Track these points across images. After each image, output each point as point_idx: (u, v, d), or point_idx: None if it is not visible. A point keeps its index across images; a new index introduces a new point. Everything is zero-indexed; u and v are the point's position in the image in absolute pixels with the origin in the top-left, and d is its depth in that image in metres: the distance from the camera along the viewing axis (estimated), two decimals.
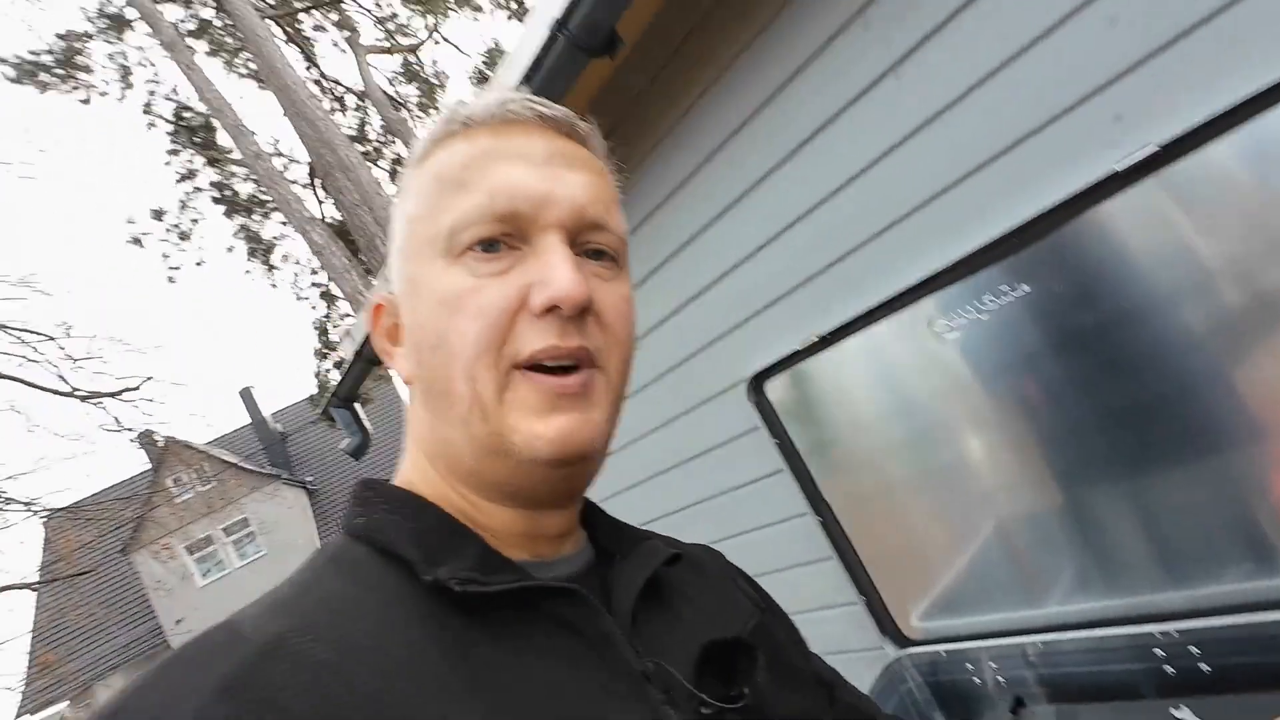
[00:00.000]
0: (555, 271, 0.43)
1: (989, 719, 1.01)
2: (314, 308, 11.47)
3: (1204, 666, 0.90)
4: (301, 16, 10.41)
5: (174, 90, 10.47)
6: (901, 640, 1.29)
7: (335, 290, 10.28)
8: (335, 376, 4.05)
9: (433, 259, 0.45)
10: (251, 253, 11.35)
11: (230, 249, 11.59)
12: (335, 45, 11.45)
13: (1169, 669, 0.93)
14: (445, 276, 0.45)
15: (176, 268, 11.21)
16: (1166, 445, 0.95)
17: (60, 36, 9.59)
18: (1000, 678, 1.13)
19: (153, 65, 10.29)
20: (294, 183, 9.36)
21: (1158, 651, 0.94)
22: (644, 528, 0.56)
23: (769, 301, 1.39)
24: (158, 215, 11.02)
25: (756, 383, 1.37)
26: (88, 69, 9.85)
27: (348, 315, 10.36)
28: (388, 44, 11.43)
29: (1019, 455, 1.10)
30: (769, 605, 0.61)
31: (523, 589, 0.42)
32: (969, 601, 1.21)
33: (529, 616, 0.43)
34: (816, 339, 1.22)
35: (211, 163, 10.72)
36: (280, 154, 11.35)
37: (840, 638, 1.48)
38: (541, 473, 0.44)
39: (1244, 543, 0.92)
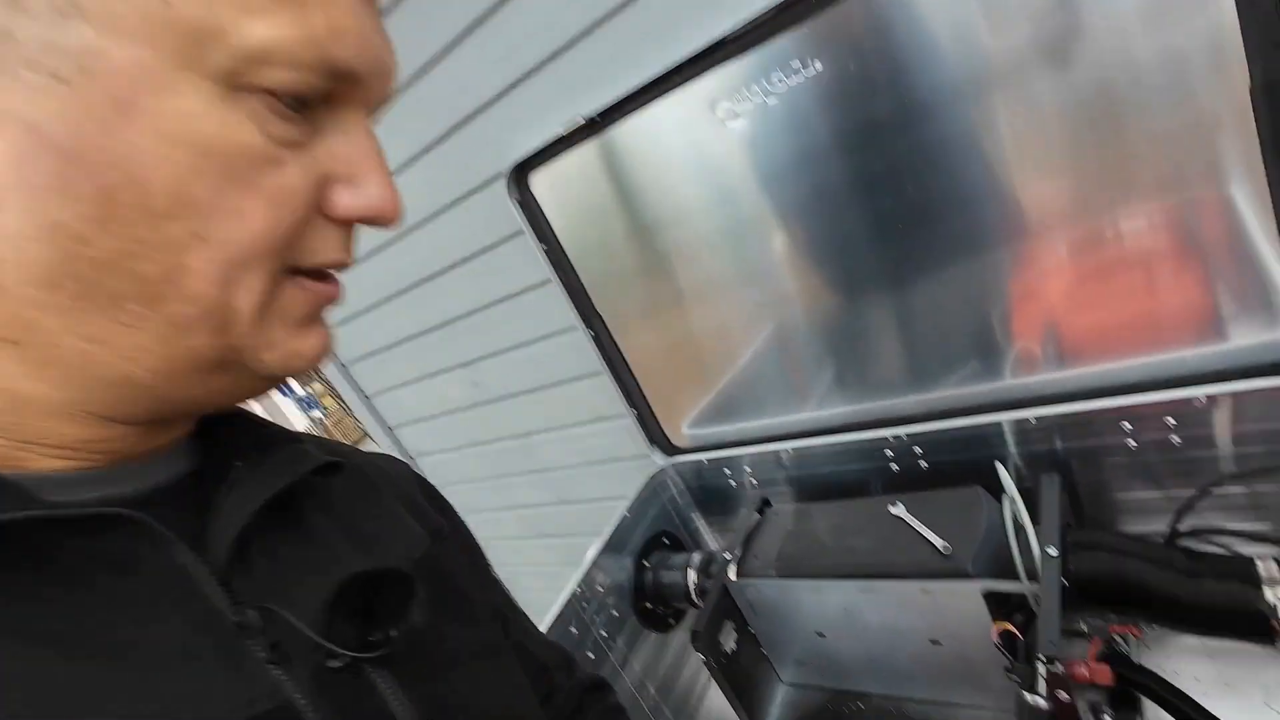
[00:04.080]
0: (378, 176, 0.34)
1: (739, 518, 1.04)
2: None
3: (923, 464, 0.96)
4: None
5: None
6: (669, 449, 1.28)
7: None
8: None
9: (172, 70, 0.28)
10: None
11: None
12: None
13: (894, 467, 0.99)
14: (212, 117, 0.29)
15: None
16: (932, 252, 0.92)
17: None
18: (754, 480, 1.16)
19: None
20: None
21: (888, 453, 0.98)
22: (301, 432, 0.44)
23: (529, 69, 1.09)
24: None
25: (518, 175, 1.12)
26: None
27: None
28: None
29: (792, 261, 1.03)
30: (451, 527, 0.51)
31: (29, 521, 0.29)
32: (733, 411, 1.21)
33: (58, 557, 0.30)
34: (583, 121, 0.98)
35: None
36: None
37: (612, 448, 1.46)
38: (253, 389, 0.35)
39: (975, 351, 0.95)
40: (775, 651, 0.99)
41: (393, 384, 1.76)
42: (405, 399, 1.76)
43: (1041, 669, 0.66)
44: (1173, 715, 0.72)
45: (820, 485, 1.09)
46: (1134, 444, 0.80)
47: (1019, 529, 0.77)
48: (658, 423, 1.29)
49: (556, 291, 1.20)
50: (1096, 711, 0.70)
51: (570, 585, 1.02)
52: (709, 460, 1.19)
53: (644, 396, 1.28)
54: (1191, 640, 0.86)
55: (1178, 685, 0.72)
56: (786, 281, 1.05)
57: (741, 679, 0.95)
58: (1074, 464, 0.85)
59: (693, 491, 1.25)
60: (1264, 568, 0.64)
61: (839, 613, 0.86)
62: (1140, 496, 0.83)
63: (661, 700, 1.10)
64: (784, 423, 1.15)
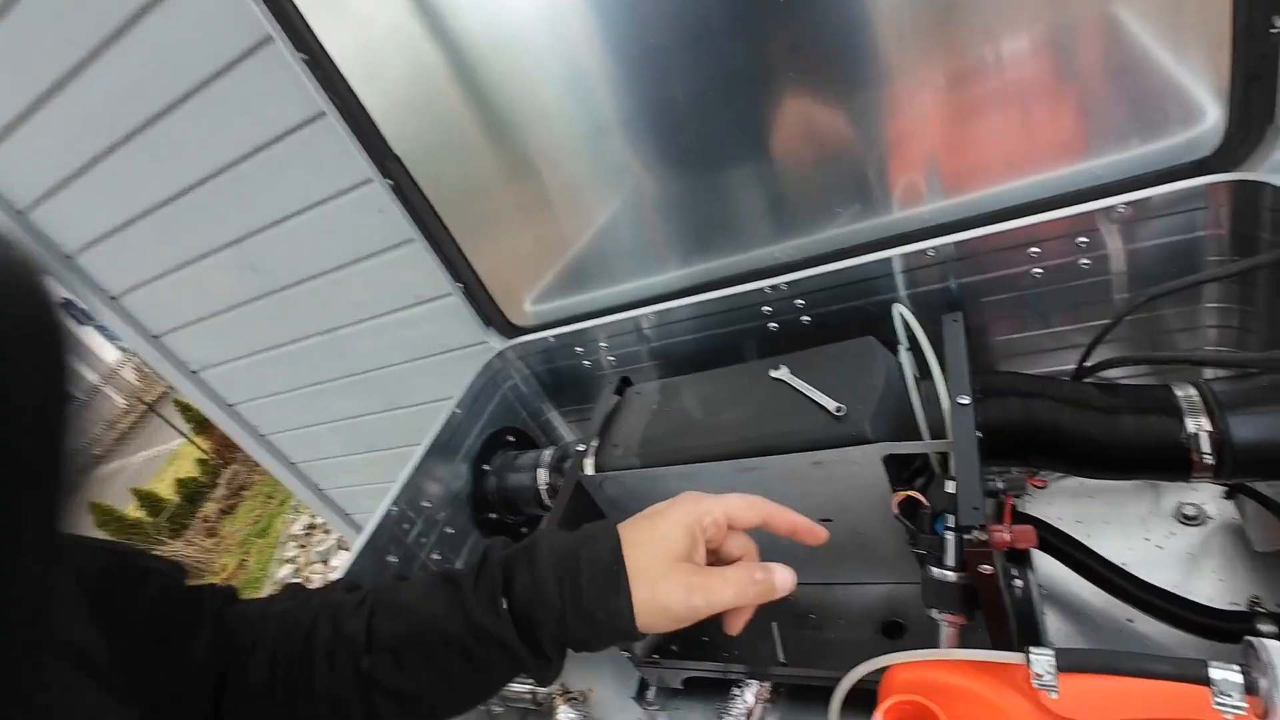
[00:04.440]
0: None
1: (597, 404, 0.86)
2: None
3: (806, 319, 0.81)
4: None
5: None
6: (508, 330, 1.05)
7: None
8: None
9: None
10: None
11: None
12: None
13: (773, 326, 0.84)
14: None
15: None
16: (799, 86, 0.73)
17: None
18: (611, 358, 0.98)
19: None
20: None
21: (765, 309, 0.83)
22: None
23: None
24: None
25: None
26: None
27: None
28: None
29: (645, 106, 0.80)
30: None
31: None
32: (583, 280, 1.00)
33: None
34: None
35: None
36: None
37: (440, 336, 1.21)
38: None
39: (856, 187, 0.79)
40: None
41: (143, 278, 1.34)
42: (163, 295, 1.36)
43: (950, 540, 0.55)
44: (1064, 562, 0.67)
45: (690, 357, 0.92)
46: (1040, 272, 0.69)
47: (922, 381, 0.65)
48: (492, 300, 1.05)
49: (335, 128, 0.88)
50: (1006, 575, 0.62)
51: (383, 505, 0.80)
52: (556, 338, 0.98)
53: (472, 269, 1.02)
54: (1070, 483, 0.82)
55: (1064, 530, 0.67)
56: (640, 130, 0.83)
57: None
58: (973, 303, 0.73)
59: (540, 378, 1.05)
60: (1183, 395, 0.56)
61: None
62: (1044, 334, 0.74)
63: None
64: (643, 287, 0.96)
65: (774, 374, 0.72)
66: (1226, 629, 0.58)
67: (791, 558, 0.78)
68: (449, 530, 0.89)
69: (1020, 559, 0.66)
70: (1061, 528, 0.69)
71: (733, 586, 0.43)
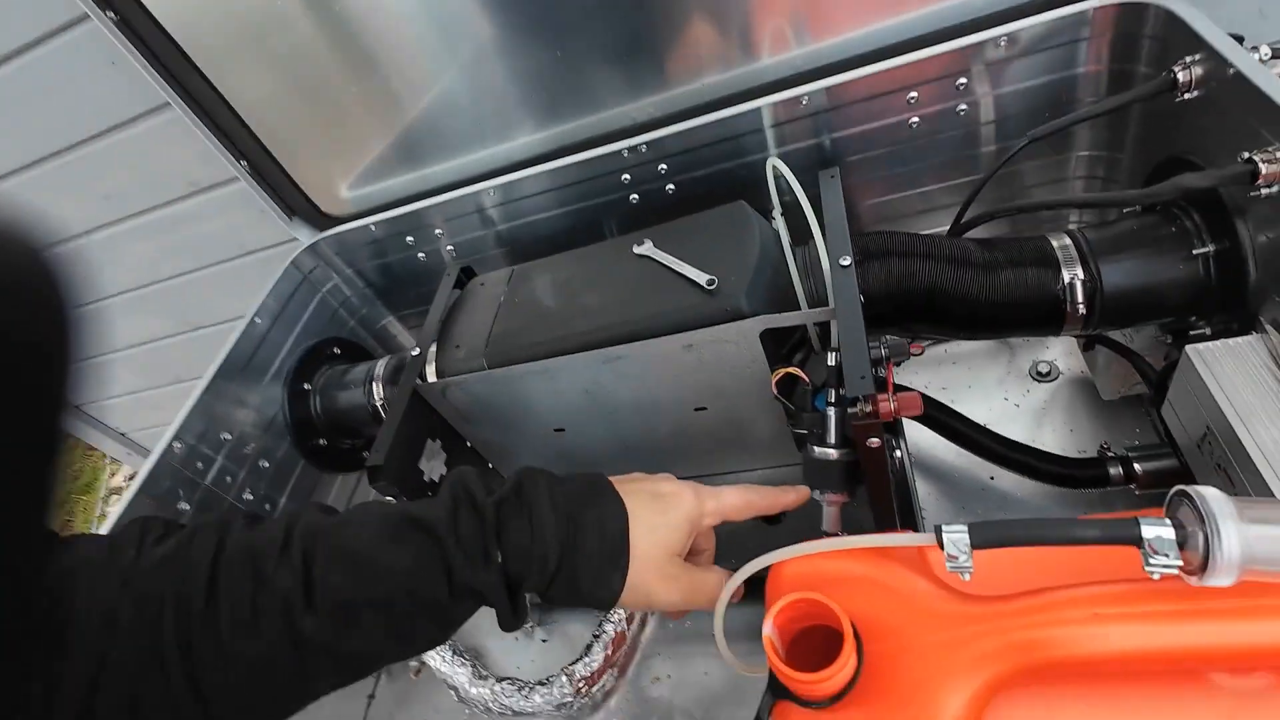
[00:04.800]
0: None
1: (434, 300, 0.73)
2: None
3: (670, 188, 0.71)
4: None
5: None
6: (319, 220, 0.86)
7: None
8: None
9: None
10: None
11: None
12: None
13: (634, 198, 0.73)
14: None
15: None
16: None
17: None
18: (451, 246, 0.83)
19: None
20: None
21: (624, 179, 0.72)
22: None
23: None
24: None
25: None
26: None
27: None
28: None
29: None
30: None
31: None
32: (412, 156, 0.82)
33: None
34: None
35: None
36: None
37: (232, 234, 0.98)
38: None
39: (715, 32, 0.68)
40: (504, 464, 0.75)
41: None
42: None
43: (833, 416, 0.51)
44: (933, 427, 0.66)
45: (543, 240, 0.80)
46: (917, 121, 0.63)
47: (797, 248, 0.58)
48: (294, 184, 0.85)
49: None
50: (889, 448, 0.59)
51: (160, 443, 0.63)
52: (380, 226, 0.81)
53: (261, 144, 0.81)
54: (933, 351, 0.82)
55: (932, 396, 0.65)
56: None
57: None
58: (846, 163, 0.67)
59: (368, 278, 0.88)
60: (1059, 245, 0.53)
61: (579, 397, 0.63)
62: (915, 194, 0.70)
63: None
64: (485, 160, 0.81)
65: (638, 250, 0.62)
66: (1081, 476, 0.60)
67: (669, 454, 0.73)
68: (264, 464, 0.74)
69: (894, 429, 0.64)
70: (929, 392, 0.68)
71: (711, 592, 0.42)
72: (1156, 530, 0.25)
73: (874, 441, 0.45)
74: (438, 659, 0.72)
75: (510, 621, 0.40)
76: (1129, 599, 0.28)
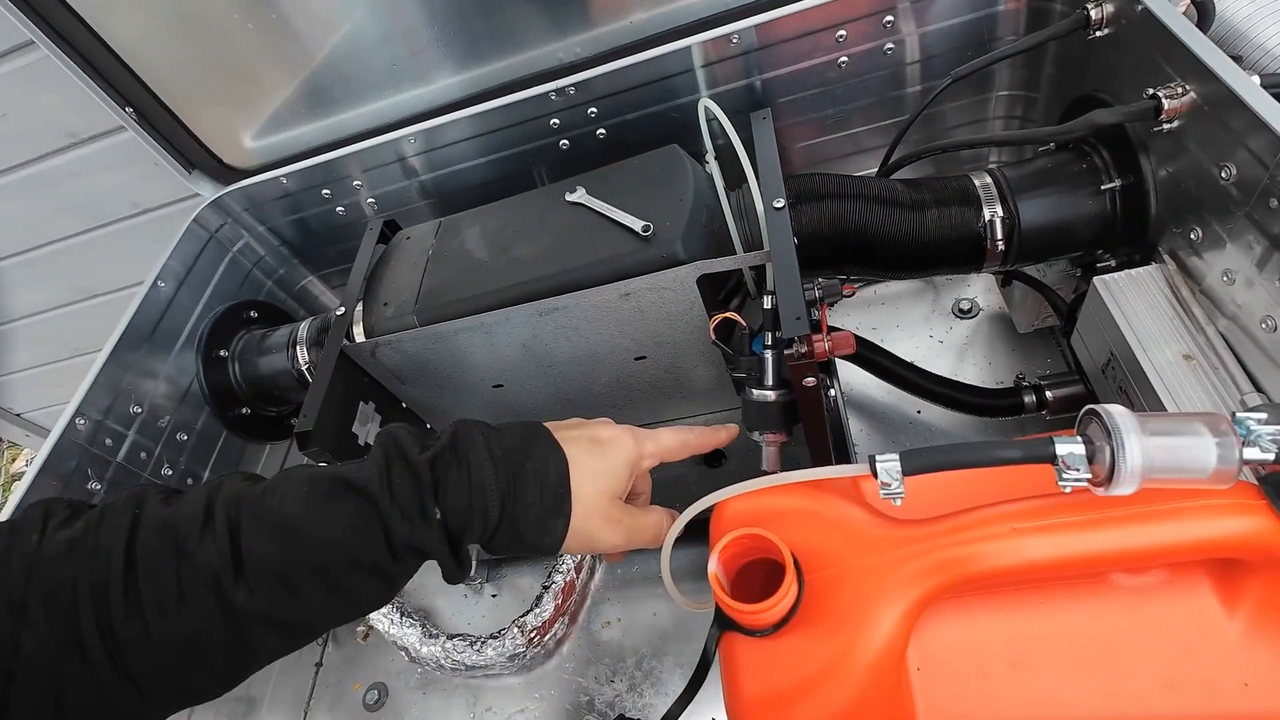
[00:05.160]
0: None
1: (358, 257, 0.69)
2: None
3: (601, 133, 0.69)
4: None
5: None
6: (223, 174, 0.80)
7: None
8: None
9: None
10: None
11: None
12: None
13: (564, 144, 0.71)
14: None
15: None
16: None
17: None
18: (372, 199, 0.78)
19: None
20: None
21: (553, 123, 0.69)
22: None
23: None
24: None
25: None
26: None
27: None
28: None
29: None
30: None
31: None
32: (324, 101, 0.77)
33: None
34: None
35: None
36: None
37: (123, 190, 0.90)
38: None
39: None
40: (442, 424, 0.73)
41: None
42: None
43: (770, 358, 0.51)
44: (863, 366, 0.68)
45: (471, 190, 0.77)
46: (846, 60, 0.63)
47: (730, 192, 0.57)
48: (191, 134, 0.78)
49: None
50: (824, 389, 0.61)
51: (61, 420, 0.58)
52: (291, 178, 0.76)
53: (147, 88, 0.74)
54: (864, 293, 0.84)
55: (862, 336, 0.67)
56: None
57: None
58: (779, 100, 0.66)
59: (284, 236, 0.83)
60: (981, 184, 0.55)
61: (517, 351, 0.62)
62: (844, 137, 0.70)
63: None
64: (402, 104, 0.76)
65: (570, 197, 0.61)
66: (999, 405, 0.63)
67: (609, 406, 0.73)
68: (182, 437, 0.69)
69: (828, 369, 0.66)
70: (859, 334, 0.70)
71: (652, 532, 0.43)
72: (1069, 448, 0.27)
73: (810, 381, 0.46)
74: (386, 621, 0.71)
75: (455, 574, 0.39)
76: (1042, 513, 0.30)
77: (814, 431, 0.49)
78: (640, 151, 0.63)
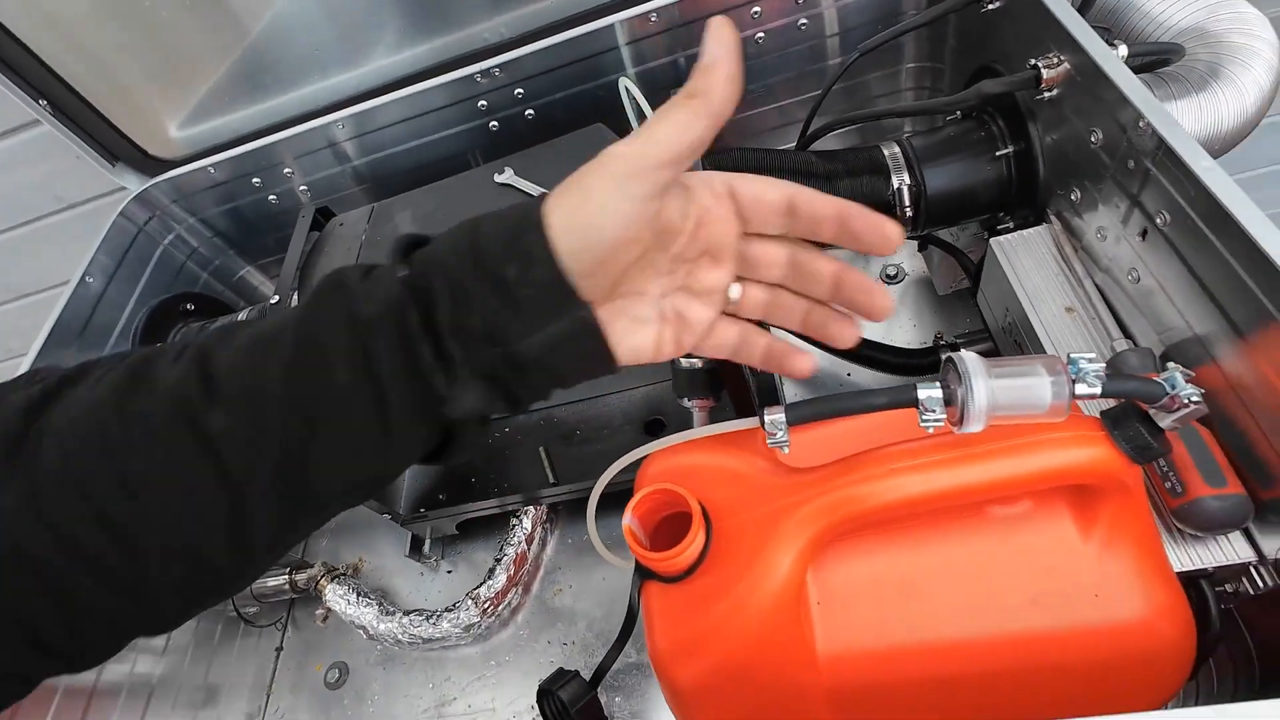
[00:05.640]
0: None
1: (290, 244, 0.69)
2: None
3: (529, 113, 0.70)
4: None
5: None
6: (148, 165, 0.78)
7: None
8: None
9: None
10: None
11: None
12: None
13: (494, 126, 0.71)
14: None
15: None
16: None
17: None
18: (304, 186, 0.78)
19: None
20: None
21: (481, 105, 0.69)
22: None
23: None
24: None
25: None
26: None
27: None
28: None
29: None
30: None
31: None
32: (255, 85, 0.75)
33: None
34: None
35: None
36: None
37: (45, 185, 0.87)
38: None
39: None
40: None
41: None
42: None
43: None
44: (794, 334, 0.71)
45: (404, 175, 0.77)
46: (763, 37, 0.64)
47: None
48: (111, 125, 0.76)
49: None
50: None
51: None
52: (220, 167, 0.75)
53: (60, 79, 0.72)
54: None
55: None
56: None
57: None
58: None
59: (214, 225, 0.82)
60: (889, 154, 0.57)
61: None
62: (771, 110, 0.72)
63: None
64: (332, 88, 0.76)
65: (499, 179, 0.62)
66: (919, 364, 0.67)
67: None
68: None
69: None
70: None
71: (667, 130, 0.27)
72: (928, 392, 0.30)
73: None
74: (342, 602, 0.73)
75: (444, 383, 0.28)
76: (916, 453, 0.33)
77: (737, 394, 0.52)
78: (572, 131, 0.64)
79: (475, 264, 0.27)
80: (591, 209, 0.26)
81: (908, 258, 0.81)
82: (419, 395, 0.28)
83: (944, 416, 0.30)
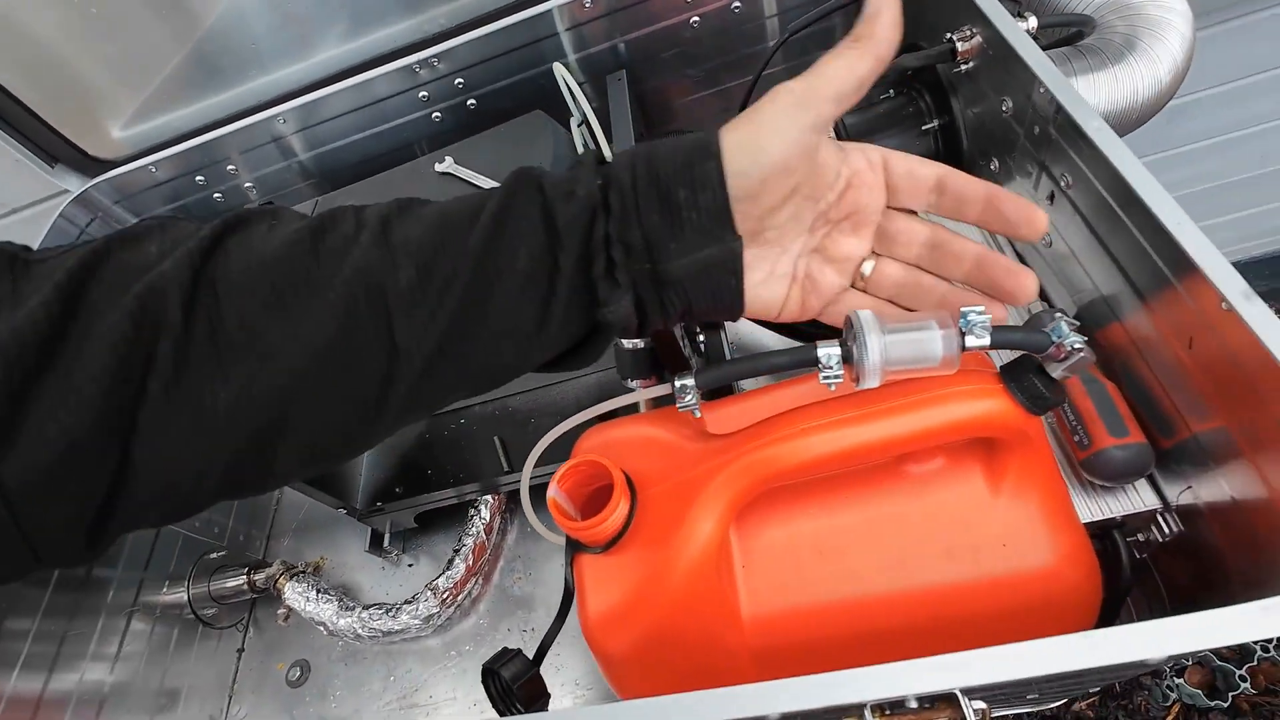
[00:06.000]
0: None
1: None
2: None
3: (471, 103, 0.70)
4: None
5: None
6: (88, 166, 0.77)
7: None
8: None
9: None
10: None
11: None
12: None
13: (437, 116, 0.71)
14: None
15: None
16: None
17: None
18: (251, 183, 0.78)
19: None
20: None
21: (422, 95, 0.69)
22: None
23: None
24: None
25: None
26: None
27: None
28: None
29: None
30: None
31: None
32: (196, 84, 0.75)
33: None
34: None
35: None
36: None
37: None
38: None
39: None
40: None
41: None
42: None
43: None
44: None
45: (352, 168, 0.77)
46: (697, 20, 0.65)
47: (589, 147, 0.60)
48: (49, 127, 0.75)
49: None
50: (691, 335, 0.64)
51: None
52: (162, 165, 0.74)
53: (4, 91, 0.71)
54: None
55: None
56: None
57: None
58: (647, 65, 0.68)
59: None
60: None
61: None
62: (715, 93, 0.73)
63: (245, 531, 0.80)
64: (280, 80, 0.75)
65: (439, 167, 0.62)
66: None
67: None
68: None
69: (713, 326, 0.69)
70: None
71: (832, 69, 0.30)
72: (826, 350, 0.30)
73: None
74: (302, 600, 0.72)
75: (600, 284, 0.29)
76: (824, 412, 0.33)
77: (675, 370, 0.53)
78: (514, 119, 0.64)
79: (650, 182, 0.29)
80: (762, 131, 0.28)
81: None
82: (584, 296, 0.30)
83: (841, 374, 0.30)
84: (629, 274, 0.29)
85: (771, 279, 0.32)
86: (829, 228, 0.33)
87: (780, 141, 0.28)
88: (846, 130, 0.58)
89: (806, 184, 0.30)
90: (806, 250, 0.33)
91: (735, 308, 0.31)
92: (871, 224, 0.33)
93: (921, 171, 0.33)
